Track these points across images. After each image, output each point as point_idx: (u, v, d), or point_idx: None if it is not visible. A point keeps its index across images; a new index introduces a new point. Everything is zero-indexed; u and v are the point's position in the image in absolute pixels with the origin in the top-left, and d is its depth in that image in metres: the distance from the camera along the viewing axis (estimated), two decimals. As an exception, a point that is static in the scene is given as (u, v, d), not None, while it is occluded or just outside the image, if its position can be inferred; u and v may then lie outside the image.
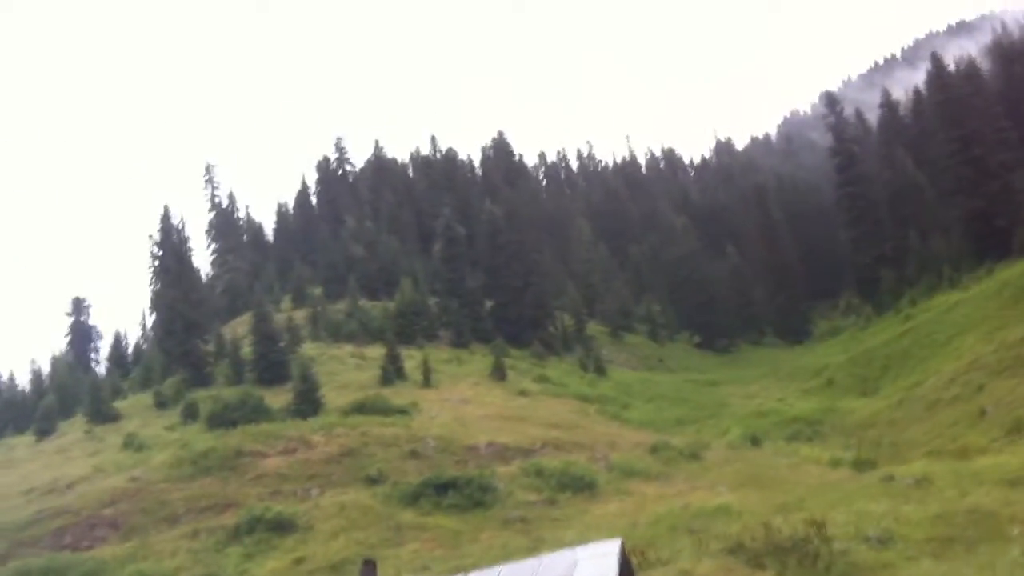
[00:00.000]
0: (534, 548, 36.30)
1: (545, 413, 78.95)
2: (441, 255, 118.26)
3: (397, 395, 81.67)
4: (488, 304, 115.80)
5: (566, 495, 53.95)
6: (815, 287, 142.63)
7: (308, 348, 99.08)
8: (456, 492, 54.06)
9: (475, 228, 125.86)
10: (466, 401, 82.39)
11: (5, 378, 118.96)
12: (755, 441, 67.90)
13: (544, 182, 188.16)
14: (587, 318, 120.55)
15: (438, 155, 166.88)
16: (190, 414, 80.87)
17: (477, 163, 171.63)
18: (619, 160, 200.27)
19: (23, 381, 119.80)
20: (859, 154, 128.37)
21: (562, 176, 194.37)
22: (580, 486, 54.87)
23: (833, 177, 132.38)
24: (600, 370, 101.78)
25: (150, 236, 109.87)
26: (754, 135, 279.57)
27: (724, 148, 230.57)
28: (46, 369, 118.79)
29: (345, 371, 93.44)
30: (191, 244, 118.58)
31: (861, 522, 29.76)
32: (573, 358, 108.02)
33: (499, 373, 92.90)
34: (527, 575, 21.56)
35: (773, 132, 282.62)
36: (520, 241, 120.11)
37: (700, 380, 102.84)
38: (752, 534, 28.05)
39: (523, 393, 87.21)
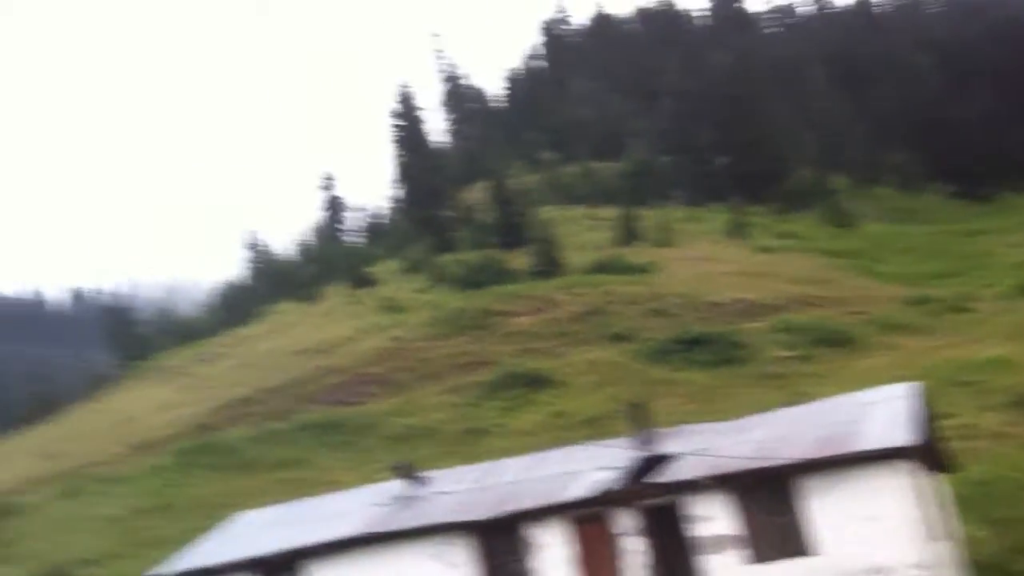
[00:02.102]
0: (794, 403, 35.95)
1: (790, 269, 76.90)
2: (671, 112, 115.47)
3: (635, 255, 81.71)
4: (722, 160, 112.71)
5: (821, 350, 52.85)
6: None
7: (544, 211, 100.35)
8: (705, 348, 54.13)
9: (704, 82, 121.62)
10: (706, 259, 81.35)
11: (273, 250, 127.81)
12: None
13: (774, 28, 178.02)
14: (828, 170, 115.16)
15: (662, 9, 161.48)
16: (438, 277, 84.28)
17: (702, 13, 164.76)
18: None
19: (288, 252, 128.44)
20: None
21: (793, 20, 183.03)
22: (836, 341, 53.52)
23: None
24: (846, 224, 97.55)
25: (390, 111, 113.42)
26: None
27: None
28: (307, 240, 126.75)
29: (580, 232, 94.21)
30: (426, 116, 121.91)
31: None
32: (815, 213, 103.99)
33: (738, 230, 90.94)
34: (814, 416, 21.45)
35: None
36: (752, 92, 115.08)
37: (958, 231, 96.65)
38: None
39: (765, 250, 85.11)
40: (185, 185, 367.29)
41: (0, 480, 63.55)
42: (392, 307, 77.91)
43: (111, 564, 40.80)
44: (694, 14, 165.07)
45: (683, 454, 21.24)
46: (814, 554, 19.19)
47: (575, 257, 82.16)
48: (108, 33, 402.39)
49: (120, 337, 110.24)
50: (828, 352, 52.46)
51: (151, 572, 27.01)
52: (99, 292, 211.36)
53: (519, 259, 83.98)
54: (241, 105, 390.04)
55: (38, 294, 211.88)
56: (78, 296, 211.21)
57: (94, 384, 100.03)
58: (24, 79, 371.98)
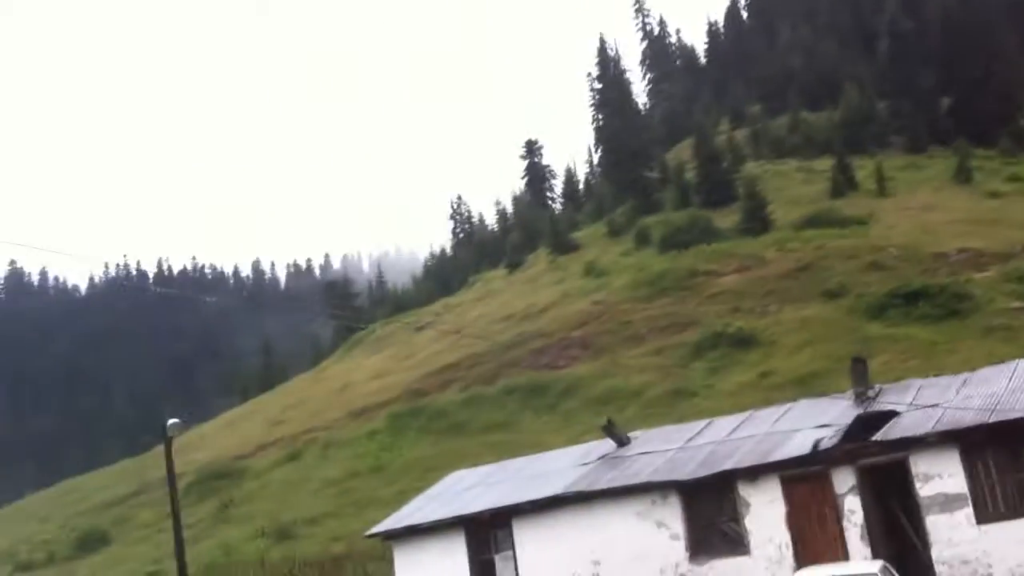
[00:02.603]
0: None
1: (1021, 214, 70.88)
2: (887, 54, 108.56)
3: (851, 206, 77.62)
4: (945, 102, 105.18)
5: (1059, 299, 48.39)
6: None
7: (751, 167, 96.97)
8: (927, 302, 50.54)
9: (923, 20, 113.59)
10: (928, 208, 76.28)
11: (476, 219, 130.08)
12: None
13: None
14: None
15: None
16: (643, 239, 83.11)
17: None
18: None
19: (491, 221, 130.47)
20: None
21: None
22: (1076, 288, 48.85)
23: None
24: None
25: (588, 73, 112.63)
26: None
27: None
28: (509, 208, 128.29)
29: (792, 186, 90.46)
30: (627, 76, 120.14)
31: None
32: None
33: (963, 175, 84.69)
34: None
35: None
36: (978, 26, 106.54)
37: None
38: None
39: (994, 195, 78.88)
40: (395, 160, 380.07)
41: (231, 445, 67.81)
42: (594, 271, 77.44)
43: (329, 523, 42.50)
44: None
45: (908, 411, 19.48)
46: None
47: (785, 212, 78.96)
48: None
49: (337, 309, 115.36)
50: (1067, 301, 47.96)
51: (368, 531, 27.63)
52: (318, 267, 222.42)
53: (726, 217, 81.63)
54: (447, 75, 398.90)
55: (262, 270, 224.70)
56: (298, 271, 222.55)
57: (315, 355, 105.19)
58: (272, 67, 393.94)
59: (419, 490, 29.63)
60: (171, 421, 28.91)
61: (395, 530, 25.30)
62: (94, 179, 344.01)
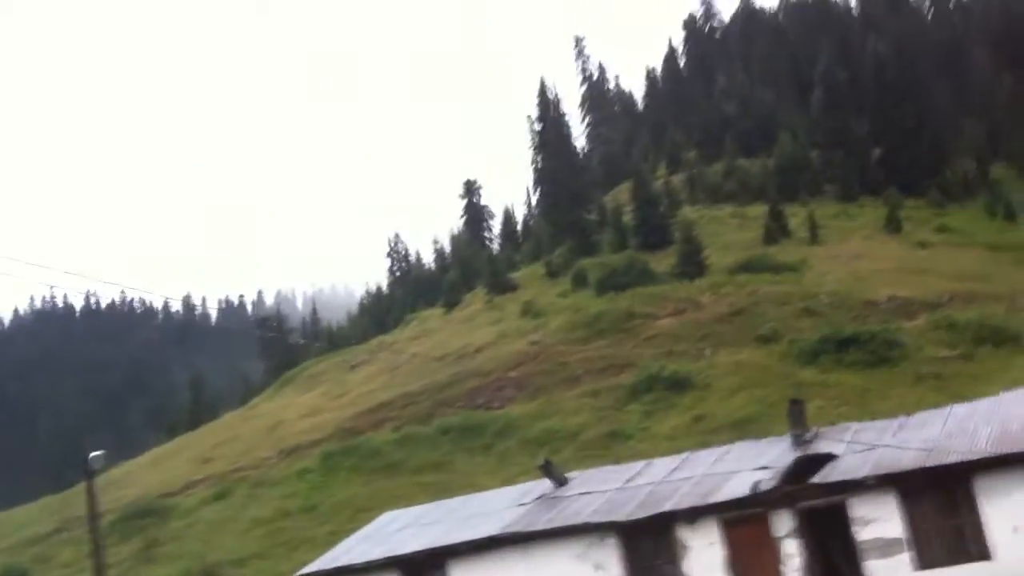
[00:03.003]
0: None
1: (949, 264, 72.75)
2: (821, 104, 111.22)
3: (783, 253, 78.87)
4: (876, 152, 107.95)
5: (985, 349, 49.42)
6: None
7: (688, 211, 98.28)
8: (858, 348, 51.33)
9: (857, 70, 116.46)
10: (859, 256, 77.85)
11: (413, 258, 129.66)
12: None
13: (931, 9, 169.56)
14: (991, 159, 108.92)
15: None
16: (580, 281, 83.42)
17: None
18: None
19: (428, 260, 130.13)
20: None
21: (952, 1, 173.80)
22: (1001, 339, 49.94)
23: None
24: (1011, 216, 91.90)
25: (528, 116, 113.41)
26: None
27: None
28: (447, 247, 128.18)
29: (726, 232, 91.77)
30: (567, 119, 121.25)
31: None
32: (977, 205, 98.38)
33: (893, 225, 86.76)
34: (986, 413, 19.59)
35: None
36: (910, 78, 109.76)
37: None
38: None
39: (922, 245, 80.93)
40: (332, 196, 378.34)
41: (157, 483, 65.99)
42: (532, 311, 77.42)
43: (258, 564, 41.52)
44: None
45: (845, 453, 19.62)
46: (988, 559, 17.58)
47: (720, 257, 79.98)
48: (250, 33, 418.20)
49: (270, 346, 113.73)
50: (992, 351, 49.01)
51: (298, 572, 27.01)
52: (250, 304, 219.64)
53: (662, 261, 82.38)
54: (387, 113, 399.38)
55: (192, 307, 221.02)
56: (230, 308, 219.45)
57: (246, 391, 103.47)
58: (176, 87, 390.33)
59: (351, 531, 29.16)
60: (94, 454, 28.14)
61: (326, 571, 24.85)
62: (19, 202, 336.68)
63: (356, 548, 25.76)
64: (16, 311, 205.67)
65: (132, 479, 70.37)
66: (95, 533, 28.02)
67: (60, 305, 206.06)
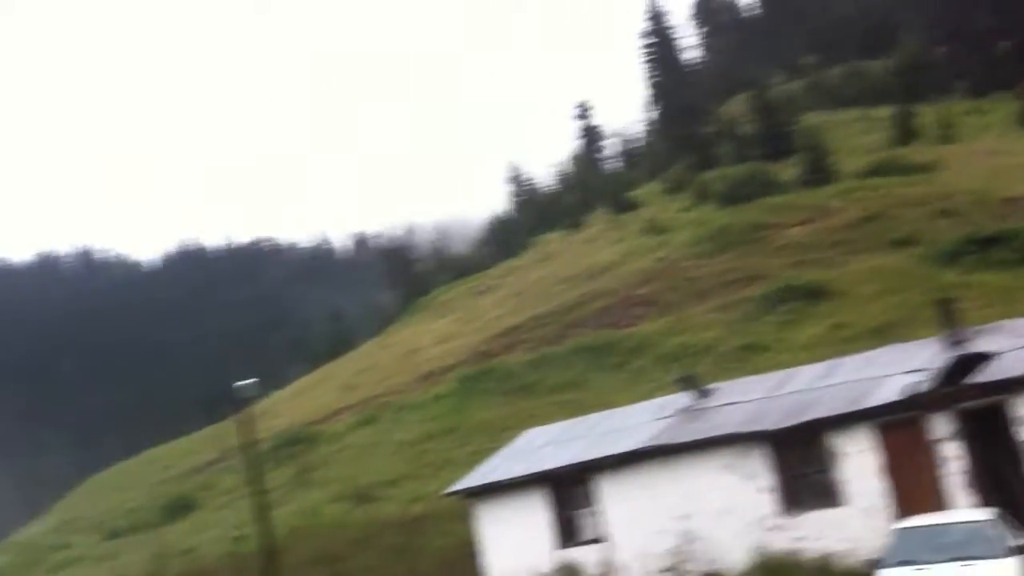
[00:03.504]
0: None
1: (1093, 155, 69.10)
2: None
3: (915, 154, 76.13)
4: (1004, 44, 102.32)
5: None
6: None
7: (810, 118, 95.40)
8: (1002, 247, 49.53)
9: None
10: (994, 153, 74.55)
11: (534, 183, 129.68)
12: None
13: None
14: None
15: None
16: (702, 195, 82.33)
17: None
18: None
19: (548, 184, 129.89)
20: None
21: None
22: None
23: None
24: None
25: (639, 31, 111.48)
26: None
27: None
28: (565, 170, 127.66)
29: (852, 136, 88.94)
30: (678, 32, 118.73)
31: None
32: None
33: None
34: None
35: None
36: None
37: None
38: None
39: (1065, 137, 76.93)
40: (449, 126, 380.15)
41: (305, 412, 68.97)
42: (656, 228, 76.95)
43: (407, 485, 43.04)
44: None
45: (1003, 351, 19.12)
46: None
47: (848, 162, 77.67)
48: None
49: (400, 277, 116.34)
50: None
51: (446, 490, 27.96)
52: (379, 236, 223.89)
53: (786, 170, 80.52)
54: (495, 38, 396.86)
55: (326, 242, 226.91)
56: (361, 242, 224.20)
57: (381, 322, 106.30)
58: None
59: (492, 451, 29.78)
60: (241, 382, 29.53)
61: (475, 488, 25.60)
62: (155, 161, 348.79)
63: (501, 466, 26.38)
64: (161, 256, 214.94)
65: (280, 409, 73.74)
66: (252, 456, 29.63)
67: (200, 248, 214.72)
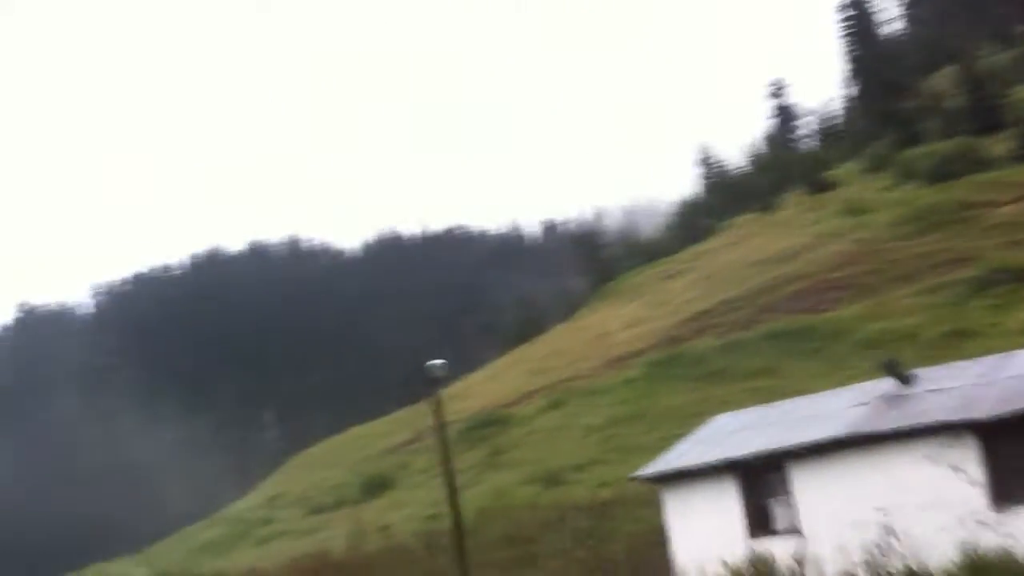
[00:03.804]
0: None
1: None
2: None
3: None
4: None
5: None
6: None
7: (1021, 90, 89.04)
8: None
9: None
10: None
11: (724, 164, 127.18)
12: None
13: None
14: None
15: None
16: (906, 173, 78.39)
17: None
18: None
19: (739, 165, 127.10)
20: None
21: None
22: None
23: None
24: None
25: (837, 4, 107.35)
26: None
27: None
28: (757, 151, 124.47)
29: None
30: (878, 3, 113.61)
31: None
32: None
33: None
34: None
35: None
36: None
37: None
38: None
39: None
40: (637, 110, 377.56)
41: (496, 395, 70.20)
42: (854, 209, 73.90)
43: (595, 469, 43.06)
44: None
45: None
46: None
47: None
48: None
49: (589, 262, 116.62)
50: None
51: (634, 474, 27.72)
52: (568, 222, 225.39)
53: (997, 145, 75.63)
54: (685, 15, 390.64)
55: (517, 228, 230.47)
56: (550, 228, 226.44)
57: (569, 306, 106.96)
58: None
59: (681, 437, 29.34)
60: (433, 362, 30.04)
61: (664, 473, 25.18)
62: (357, 155, 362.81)
63: (691, 451, 25.88)
64: (365, 243, 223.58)
65: (472, 392, 75.34)
66: (442, 435, 30.20)
67: (396, 236, 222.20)
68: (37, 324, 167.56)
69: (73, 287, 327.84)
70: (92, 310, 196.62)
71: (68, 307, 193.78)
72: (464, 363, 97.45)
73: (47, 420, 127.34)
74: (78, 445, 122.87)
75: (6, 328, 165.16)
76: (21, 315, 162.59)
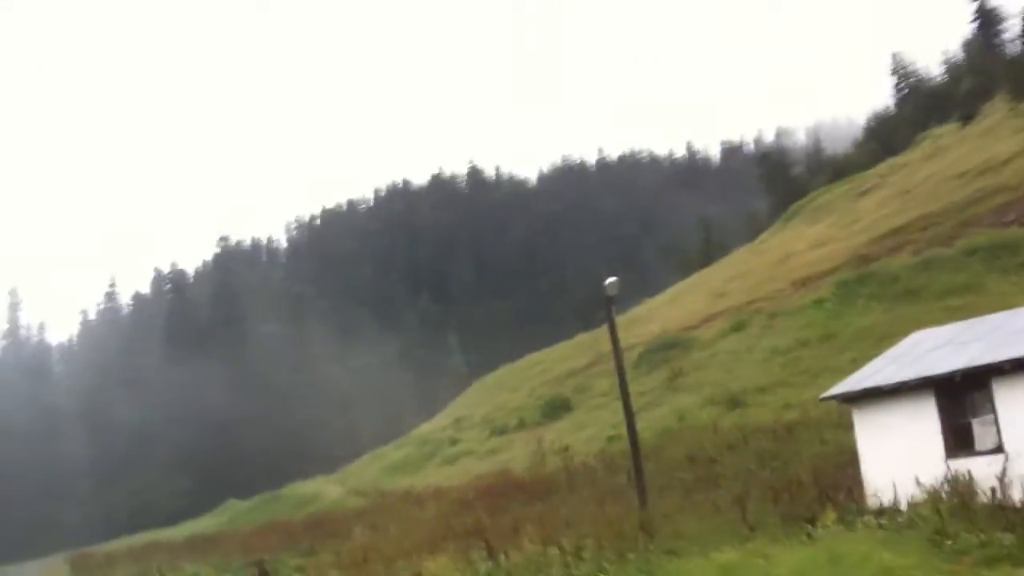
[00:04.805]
0: None
1: None
2: None
3: None
4: None
5: None
6: None
7: None
8: None
9: None
10: None
11: (920, 73, 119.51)
12: None
13: None
14: None
15: None
16: None
17: None
18: None
19: (937, 73, 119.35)
20: None
21: None
22: None
23: None
24: None
25: None
26: None
27: None
28: (957, 57, 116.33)
29: None
30: None
31: None
32: None
33: None
34: None
35: None
36: None
37: None
38: None
39: None
40: (819, 26, 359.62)
41: (677, 318, 69.13)
42: (1070, 112, 67.87)
43: (779, 391, 41.73)
44: None
45: None
46: None
47: None
48: None
49: (773, 182, 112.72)
50: None
51: (824, 394, 26.55)
52: (748, 144, 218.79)
53: None
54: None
55: (696, 151, 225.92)
56: (731, 150, 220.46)
57: (752, 229, 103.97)
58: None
59: (873, 358, 27.87)
60: (608, 280, 28.81)
61: (854, 392, 23.92)
62: (534, 86, 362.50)
63: (885, 369, 24.45)
64: (542, 171, 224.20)
65: (653, 315, 74.51)
66: (618, 357, 29.63)
67: (576, 163, 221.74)
68: (237, 258, 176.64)
69: (268, 223, 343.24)
70: (286, 244, 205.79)
71: (265, 242, 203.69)
72: (645, 288, 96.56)
73: (248, 348, 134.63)
74: (277, 371, 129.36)
75: (207, 263, 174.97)
76: (220, 251, 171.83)
